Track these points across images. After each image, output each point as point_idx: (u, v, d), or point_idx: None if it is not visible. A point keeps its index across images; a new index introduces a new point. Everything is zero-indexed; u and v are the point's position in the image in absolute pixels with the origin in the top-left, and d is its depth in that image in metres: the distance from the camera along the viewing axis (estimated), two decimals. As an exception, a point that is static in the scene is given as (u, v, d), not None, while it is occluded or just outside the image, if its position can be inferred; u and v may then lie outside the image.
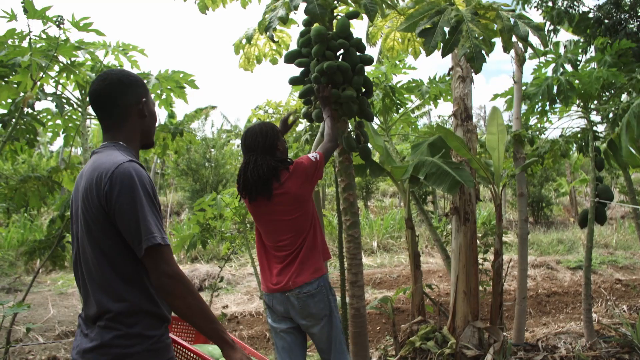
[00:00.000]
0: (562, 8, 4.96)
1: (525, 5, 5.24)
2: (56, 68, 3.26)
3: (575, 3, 4.95)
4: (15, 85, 3.03)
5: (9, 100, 3.23)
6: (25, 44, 2.98)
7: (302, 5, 2.68)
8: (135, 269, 1.50)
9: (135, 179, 1.45)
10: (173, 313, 1.58)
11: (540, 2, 5.15)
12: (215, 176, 14.12)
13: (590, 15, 4.99)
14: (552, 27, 5.08)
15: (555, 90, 3.90)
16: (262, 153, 2.46)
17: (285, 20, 2.60)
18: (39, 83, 2.97)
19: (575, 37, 5.14)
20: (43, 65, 2.83)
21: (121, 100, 1.60)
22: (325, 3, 2.62)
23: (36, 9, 2.78)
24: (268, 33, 2.61)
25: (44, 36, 2.98)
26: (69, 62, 3.23)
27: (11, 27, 2.88)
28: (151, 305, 1.52)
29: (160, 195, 18.38)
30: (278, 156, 2.50)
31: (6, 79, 3.05)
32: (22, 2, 2.70)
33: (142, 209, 1.44)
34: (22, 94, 2.99)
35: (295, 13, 2.75)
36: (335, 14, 3.08)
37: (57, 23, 2.88)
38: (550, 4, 5.05)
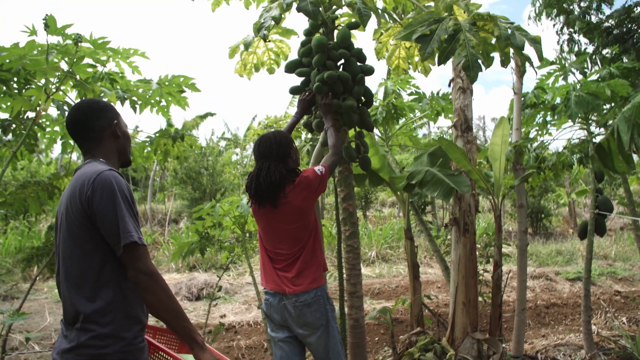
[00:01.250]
0: (577, 14, 5.02)
1: (541, 16, 5.32)
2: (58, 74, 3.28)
3: (590, 10, 5.01)
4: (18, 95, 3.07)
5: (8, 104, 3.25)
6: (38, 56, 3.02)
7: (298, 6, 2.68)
8: (112, 271, 1.63)
9: (114, 185, 1.61)
10: (164, 326, 1.63)
11: (550, 13, 5.21)
12: (213, 184, 14.11)
13: (605, 24, 5.05)
14: (568, 36, 5.15)
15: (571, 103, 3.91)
16: (275, 161, 2.50)
17: (278, 20, 2.62)
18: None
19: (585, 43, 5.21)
20: (57, 80, 2.92)
21: (95, 124, 1.79)
22: (318, 1, 2.63)
23: (57, 26, 2.85)
24: (260, 33, 2.62)
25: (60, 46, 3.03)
26: (81, 79, 3.26)
27: (28, 39, 2.93)
28: (124, 306, 1.63)
29: (159, 203, 18.36)
30: (290, 165, 2.55)
31: (9, 83, 3.08)
32: (43, 19, 2.77)
33: (121, 212, 1.59)
34: (42, 102, 3.05)
35: (289, 13, 2.75)
36: (336, 25, 3.10)
37: (75, 41, 2.95)
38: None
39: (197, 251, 4.17)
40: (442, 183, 3.45)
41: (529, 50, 2.50)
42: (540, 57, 2.46)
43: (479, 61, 2.39)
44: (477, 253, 3.98)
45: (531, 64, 2.66)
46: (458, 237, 3.80)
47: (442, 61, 2.47)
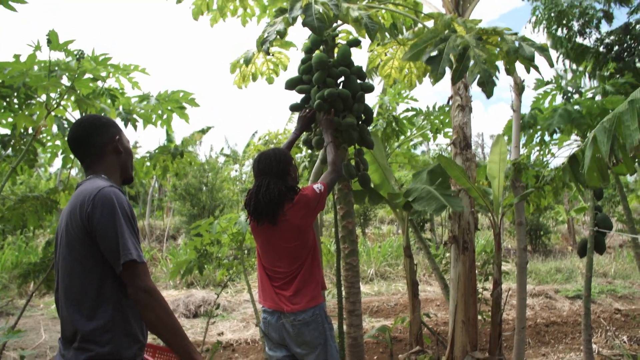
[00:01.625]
0: (574, 30, 5.07)
1: (536, 28, 5.36)
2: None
3: (589, 26, 5.06)
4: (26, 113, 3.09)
5: (10, 120, 3.26)
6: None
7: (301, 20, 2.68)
8: (112, 288, 1.62)
9: (115, 202, 1.60)
10: (162, 344, 1.62)
11: (550, 25, 5.26)
12: (212, 201, 14.08)
13: (606, 40, 5.09)
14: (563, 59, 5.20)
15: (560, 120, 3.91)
16: (275, 178, 2.48)
17: (283, 35, 2.62)
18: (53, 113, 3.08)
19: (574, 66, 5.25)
20: (57, 95, 2.95)
21: (96, 141, 1.79)
22: (324, 17, 2.66)
23: (59, 42, 2.88)
24: (264, 47, 2.63)
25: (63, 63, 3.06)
26: (82, 94, 3.28)
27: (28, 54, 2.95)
28: (124, 324, 1.61)
29: (157, 219, 18.30)
30: (289, 182, 2.53)
31: (9, 99, 3.10)
32: (47, 35, 2.80)
33: (121, 229, 1.58)
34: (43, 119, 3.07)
35: (293, 25, 2.75)
36: (336, 42, 3.12)
37: (77, 57, 2.97)
38: (563, 30, 5.15)
39: (196, 269, 4.14)
40: (436, 200, 3.46)
41: (537, 59, 2.50)
42: (551, 63, 2.47)
43: (492, 76, 2.40)
44: (476, 271, 3.96)
45: (539, 72, 2.66)
46: (457, 255, 3.78)
47: (455, 80, 2.48)
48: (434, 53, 2.47)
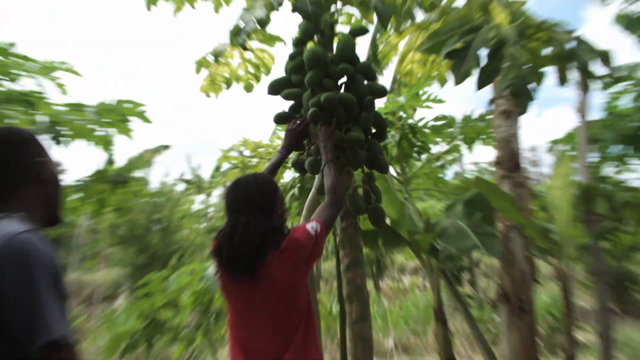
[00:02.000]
0: None
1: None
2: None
3: None
4: None
5: None
6: None
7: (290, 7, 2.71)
8: None
9: (31, 255, 1.50)
10: None
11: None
12: (166, 245, 14.04)
13: None
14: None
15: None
16: (257, 215, 2.41)
17: (264, 23, 2.65)
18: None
19: None
20: None
21: (10, 165, 1.71)
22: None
23: None
24: (239, 39, 2.65)
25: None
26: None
27: None
28: None
29: (88, 272, 18.18)
30: (275, 221, 2.46)
31: None
32: None
33: (39, 295, 1.47)
34: None
35: (278, 10, 2.79)
36: (335, 32, 3.17)
37: None
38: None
39: (142, 343, 4.11)
40: (467, 238, 3.52)
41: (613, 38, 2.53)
42: (613, 77, 2.50)
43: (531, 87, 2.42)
44: (538, 342, 3.93)
45: (602, 79, 2.69)
46: (510, 319, 3.77)
47: (482, 84, 2.48)
48: (459, 45, 2.50)
